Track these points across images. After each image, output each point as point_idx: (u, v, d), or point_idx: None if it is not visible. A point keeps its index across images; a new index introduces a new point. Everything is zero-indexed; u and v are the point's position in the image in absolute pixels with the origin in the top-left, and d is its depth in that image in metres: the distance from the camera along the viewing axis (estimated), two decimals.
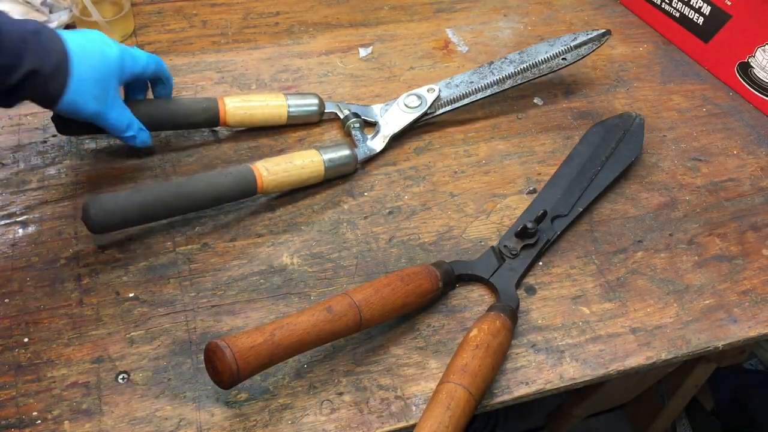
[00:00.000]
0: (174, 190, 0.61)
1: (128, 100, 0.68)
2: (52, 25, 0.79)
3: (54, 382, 0.54)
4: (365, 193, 0.71)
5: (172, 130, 0.72)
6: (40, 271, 0.60)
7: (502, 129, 0.80)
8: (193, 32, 0.87)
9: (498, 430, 1.20)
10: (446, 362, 0.56)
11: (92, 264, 0.61)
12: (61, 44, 0.57)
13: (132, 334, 0.57)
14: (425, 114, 0.76)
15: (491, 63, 0.81)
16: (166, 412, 0.53)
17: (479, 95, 0.78)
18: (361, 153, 0.72)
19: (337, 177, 0.70)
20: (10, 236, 0.63)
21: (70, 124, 0.64)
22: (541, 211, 0.66)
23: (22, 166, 0.69)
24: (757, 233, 0.72)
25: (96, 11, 0.78)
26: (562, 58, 0.80)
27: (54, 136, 0.72)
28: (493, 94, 0.79)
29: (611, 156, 0.74)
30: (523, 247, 0.65)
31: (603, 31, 0.82)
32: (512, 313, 0.58)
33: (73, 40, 0.58)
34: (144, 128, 0.66)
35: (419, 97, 0.76)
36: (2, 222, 0.64)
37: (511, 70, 0.79)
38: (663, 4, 0.95)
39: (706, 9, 0.89)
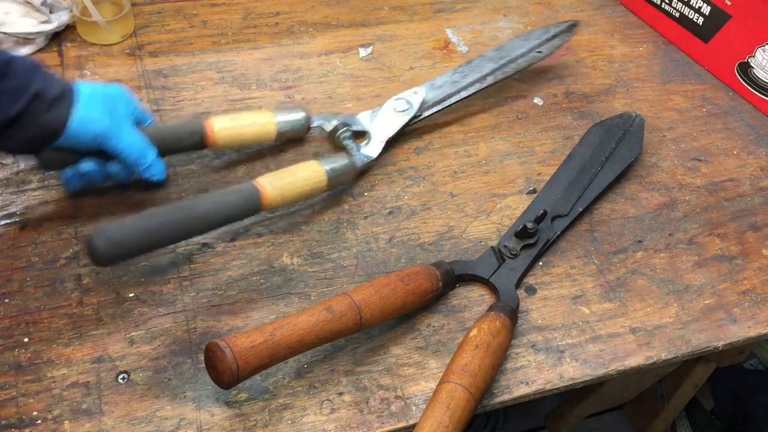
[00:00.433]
0: (181, 215, 0.58)
1: None
2: (53, 25, 0.79)
3: (54, 382, 0.54)
4: (365, 193, 0.71)
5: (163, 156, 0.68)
6: (40, 271, 0.60)
7: (502, 129, 0.80)
8: (193, 32, 0.87)
9: (498, 430, 1.20)
10: (446, 362, 0.56)
11: (92, 264, 0.61)
12: (66, 81, 0.58)
13: (132, 334, 0.57)
14: (414, 117, 0.75)
15: (470, 62, 0.82)
16: (166, 412, 0.53)
17: (463, 93, 0.78)
18: (359, 161, 0.71)
19: (338, 186, 0.69)
20: (10, 236, 0.63)
21: (57, 157, 0.62)
22: (541, 211, 0.66)
23: (22, 166, 0.69)
24: (757, 233, 0.72)
25: (96, 11, 0.78)
26: (537, 51, 0.83)
27: None
28: (477, 92, 0.79)
29: (611, 156, 0.74)
30: (523, 247, 0.65)
31: (571, 22, 0.86)
32: (512, 313, 0.58)
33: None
34: (160, 159, 0.63)
35: (407, 101, 0.76)
36: (2, 222, 0.64)
37: (490, 66, 0.80)
38: (663, 4, 0.95)
39: (706, 9, 0.89)
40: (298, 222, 0.67)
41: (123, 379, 0.54)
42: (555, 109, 0.83)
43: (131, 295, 0.60)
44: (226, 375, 0.49)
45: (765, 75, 0.85)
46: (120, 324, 0.57)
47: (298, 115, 0.72)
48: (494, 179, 0.74)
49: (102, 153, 0.61)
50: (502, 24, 0.96)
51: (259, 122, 0.70)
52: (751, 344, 0.74)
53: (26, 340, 0.56)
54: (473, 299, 0.63)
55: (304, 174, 0.65)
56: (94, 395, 0.53)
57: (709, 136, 0.83)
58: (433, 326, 0.60)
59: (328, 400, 0.55)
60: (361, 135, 0.74)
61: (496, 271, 0.64)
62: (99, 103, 0.58)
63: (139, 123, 0.64)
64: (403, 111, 0.75)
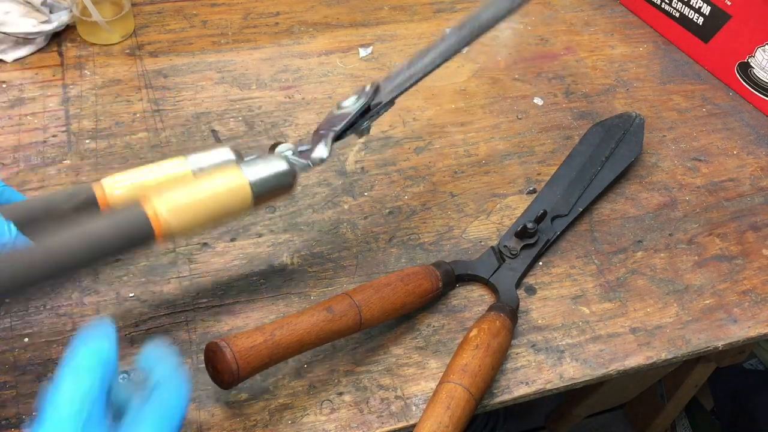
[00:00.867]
0: (33, 259, 0.42)
1: None
2: (52, 25, 0.79)
3: None
4: (365, 193, 0.71)
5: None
6: None
7: (502, 129, 0.80)
8: (193, 32, 0.87)
9: (498, 430, 1.20)
10: (446, 362, 0.56)
11: None
12: None
13: (132, 334, 0.57)
14: (368, 108, 0.58)
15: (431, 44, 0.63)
16: None
17: (429, 65, 0.61)
18: (302, 164, 0.54)
19: (270, 203, 0.53)
20: None
21: None
22: (541, 211, 0.66)
23: (22, 166, 0.69)
24: (757, 233, 0.72)
25: (96, 11, 0.78)
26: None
27: (54, 136, 0.72)
28: (443, 61, 0.61)
29: (611, 156, 0.74)
30: (523, 247, 0.65)
31: None
32: (512, 313, 0.58)
33: None
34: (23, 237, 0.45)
35: (355, 96, 0.59)
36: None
37: (454, 37, 0.63)
38: (663, 4, 0.95)
39: (706, 9, 0.89)
40: (298, 222, 0.67)
41: (123, 379, 0.54)
42: (555, 109, 0.83)
43: (131, 295, 0.60)
44: (226, 375, 0.49)
45: (765, 75, 0.85)
46: (120, 324, 0.57)
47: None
48: (494, 179, 0.74)
49: None
50: (502, 24, 0.95)
51: (171, 173, 0.49)
52: (751, 344, 0.74)
53: (26, 340, 0.56)
54: (473, 299, 0.63)
55: (212, 187, 0.47)
56: None
57: (709, 136, 0.83)
58: (433, 326, 0.60)
59: (328, 400, 0.55)
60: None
61: (496, 271, 0.64)
62: None
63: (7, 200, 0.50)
64: (350, 105, 0.58)
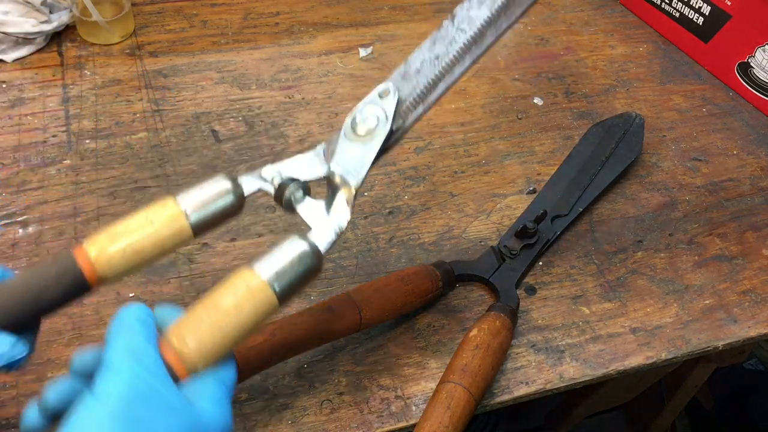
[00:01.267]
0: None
1: None
2: (52, 25, 0.79)
3: None
4: (365, 193, 0.71)
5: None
6: None
7: (502, 129, 0.80)
8: (193, 32, 0.87)
9: (498, 430, 1.20)
10: (446, 362, 0.56)
11: None
12: None
13: None
14: (392, 132, 0.48)
15: (453, 17, 0.54)
16: None
17: (457, 71, 0.52)
18: (325, 240, 0.47)
19: (296, 296, 0.44)
20: (10, 236, 0.63)
21: None
22: (541, 211, 0.66)
23: (22, 166, 0.69)
24: (757, 233, 0.72)
25: (96, 11, 0.78)
26: None
27: (54, 136, 0.72)
28: (474, 61, 0.52)
29: (611, 156, 0.74)
30: (523, 247, 0.65)
31: None
32: (512, 313, 0.58)
33: None
34: (6, 334, 0.40)
35: (374, 116, 0.49)
36: (2, 222, 0.64)
37: (485, 14, 0.52)
38: (663, 4, 0.95)
39: (706, 9, 0.89)
40: (298, 222, 0.67)
41: None
42: (555, 109, 0.83)
43: (131, 295, 0.60)
44: None
45: (765, 75, 0.85)
46: None
47: (218, 189, 0.44)
48: (494, 179, 0.74)
49: None
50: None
51: (158, 223, 0.42)
52: (751, 344, 0.74)
53: None
54: (473, 299, 0.63)
55: (230, 305, 0.39)
56: None
57: (709, 136, 0.83)
58: (433, 326, 0.60)
59: (328, 400, 0.55)
60: (319, 183, 0.49)
61: (496, 271, 0.64)
62: None
63: None
64: (371, 131, 0.48)
